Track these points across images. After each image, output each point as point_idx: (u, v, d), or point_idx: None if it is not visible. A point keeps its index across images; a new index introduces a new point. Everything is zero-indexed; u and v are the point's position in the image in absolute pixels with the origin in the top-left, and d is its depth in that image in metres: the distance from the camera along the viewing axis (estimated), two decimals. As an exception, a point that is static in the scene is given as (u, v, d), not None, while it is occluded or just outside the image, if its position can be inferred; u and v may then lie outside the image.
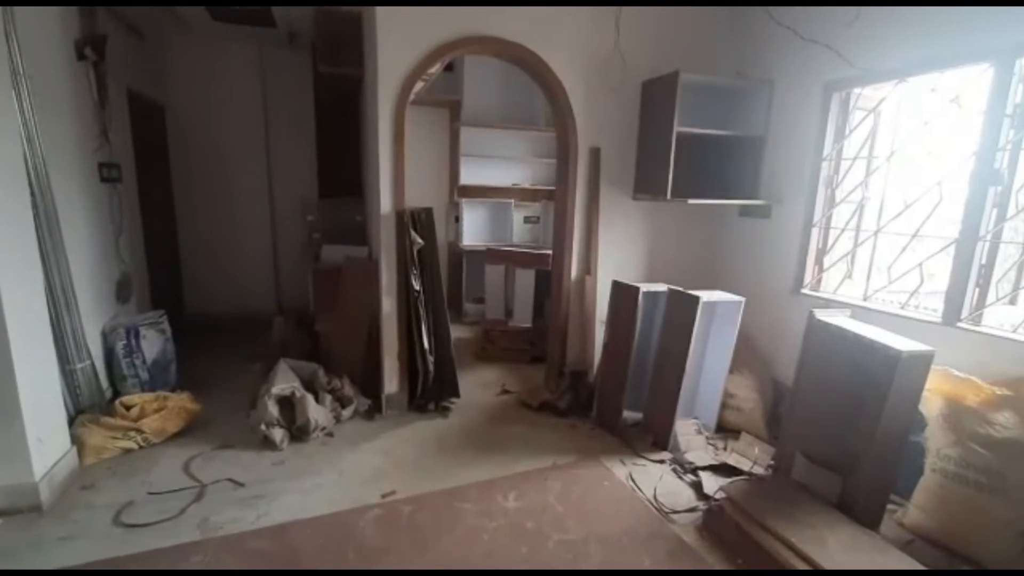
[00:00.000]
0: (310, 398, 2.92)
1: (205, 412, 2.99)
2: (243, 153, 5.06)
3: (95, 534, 2.06)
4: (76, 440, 2.51)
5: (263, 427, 2.76)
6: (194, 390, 3.13)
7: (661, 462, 2.76)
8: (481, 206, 5.64)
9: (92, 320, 2.93)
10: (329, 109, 5.06)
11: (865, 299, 2.81)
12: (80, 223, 2.92)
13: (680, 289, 2.91)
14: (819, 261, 3.07)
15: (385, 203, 3.03)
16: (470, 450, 2.84)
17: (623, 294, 3.06)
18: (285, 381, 2.94)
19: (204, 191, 4.97)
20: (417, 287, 3.11)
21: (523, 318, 4.49)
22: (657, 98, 3.20)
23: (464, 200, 5.53)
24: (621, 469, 2.67)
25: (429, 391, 3.26)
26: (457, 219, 5.57)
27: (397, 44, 2.85)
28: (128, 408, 2.77)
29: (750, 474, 2.56)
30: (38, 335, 2.28)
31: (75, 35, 2.93)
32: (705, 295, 2.83)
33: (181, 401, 2.93)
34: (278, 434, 2.76)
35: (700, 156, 3.36)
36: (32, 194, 2.30)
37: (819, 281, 3.08)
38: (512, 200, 5.69)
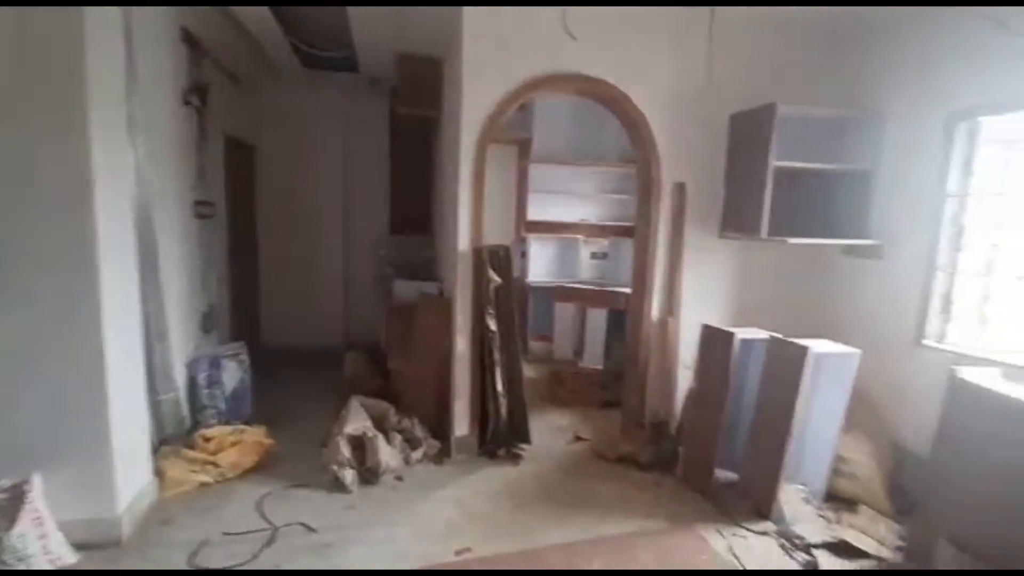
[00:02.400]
0: (381, 439, 2.83)
1: (278, 447, 2.97)
2: (322, 190, 5.26)
3: (171, 576, 2.01)
4: (157, 471, 2.53)
5: (335, 467, 2.68)
6: (268, 423, 3.12)
7: (764, 534, 2.43)
8: (548, 242, 5.55)
9: (179, 351, 3.02)
10: (403, 149, 5.21)
11: (1009, 353, 2.41)
12: (175, 257, 3.05)
13: (783, 337, 2.63)
14: (945, 309, 2.70)
15: (463, 240, 2.98)
16: (546, 505, 2.63)
17: (716, 340, 2.80)
18: (358, 420, 2.88)
19: (284, 225, 5.18)
20: (493, 327, 3.00)
21: (594, 359, 4.28)
22: (750, 131, 3.00)
23: (531, 236, 5.46)
24: (719, 540, 2.37)
25: (500, 435, 3.10)
26: (524, 255, 5.50)
27: (482, 82, 2.85)
28: (207, 440, 2.78)
29: (877, 558, 2.19)
30: (133, 367, 2.34)
31: (183, 84, 3.14)
32: (814, 345, 2.53)
33: (257, 435, 2.92)
34: (349, 475, 2.67)
35: (798, 192, 3.09)
36: (137, 230, 2.41)
37: (944, 331, 2.70)
38: (580, 236, 5.57)
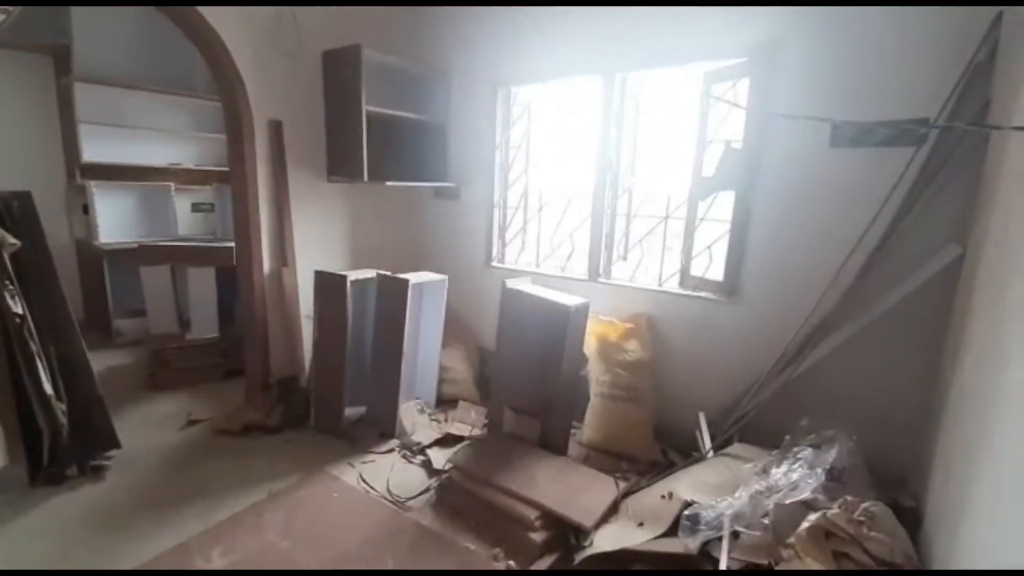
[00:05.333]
0: None
1: None
2: None
3: None
4: None
5: None
6: None
7: (390, 451, 2.71)
8: (125, 191, 4.34)
9: None
10: None
11: (538, 266, 3.35)
12: None
13: (388, 274, 2.87)
14: (502, 236, 3.50)
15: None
16: (150, 512, 2.18)
17: (329, 285, 2.82)
18: None
19: None
20: (18, 309, 2.14)
21: (206, 327, 3.69)
22: (341, 72, 2.99)
23: (95, 183, 4.13)
24: (351, 473, 2.50)
25: (64, 452, 2.34)
26: (86, 209, 4.14)
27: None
28: None
29: (471, 438, 2.76)
30: None
31: None
32: (413, 277, 2.86)
33: None
34: None
35: (393, 138, 3.34)
36: None
37: (504, 254, 3.52)
38: (172, 184, 4.57)
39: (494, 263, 3.47)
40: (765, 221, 2.45)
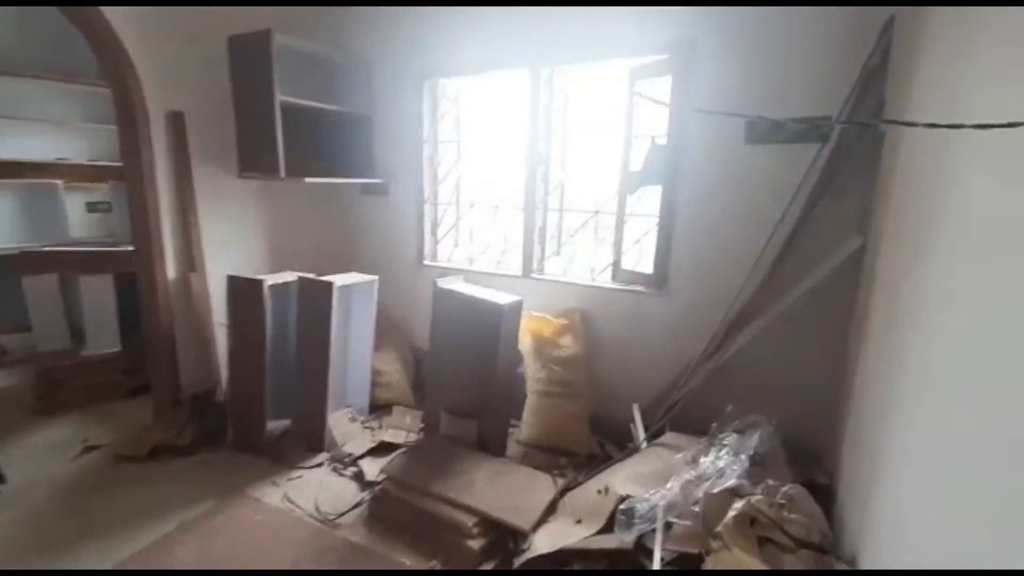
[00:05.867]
0: None
1: None
2: None
3: None
4: None
5: None
6: None
7: (319, 465, 2.56)
8: (1, 190, 3.81)
9: None
10: None
11: (471, 263, 3.28)
12: None
13: (311, 276, 2.69)
14: (434, 233, 3.39)
15: None
16: (36, 558, 1.92)
17: (244, 290, 2.60)
18: None
19: None
20: None
21: (105, 341, 3.32)
22: (251, 59, 2.75)
23: (-42, 182, 3.60)
24: (274, 492, 2.33)
25: (-74, 496, 2.01)
26: (-51, 211, 3.61)
27: None
28: None
29: (406, 445, 2.66)
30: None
31: None
32: (339, 279, 2.70)
33: None
34: None
35: (314, 131, 3.14)
36: None
37: (436, 252, 3.41)
38: (59, 181, 4.07)
39: (426, 261, 3.36)
40: (689, 214, 2.51)
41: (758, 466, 1.82)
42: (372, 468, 2.46)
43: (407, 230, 3.37)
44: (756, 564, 1.39)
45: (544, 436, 2.65)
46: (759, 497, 1.57)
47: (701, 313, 2.49)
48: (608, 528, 1.91)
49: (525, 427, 2.72)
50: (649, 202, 2.69)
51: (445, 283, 2.68)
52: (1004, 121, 0.77)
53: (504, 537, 1.98)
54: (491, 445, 2.47)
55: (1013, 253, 0.84)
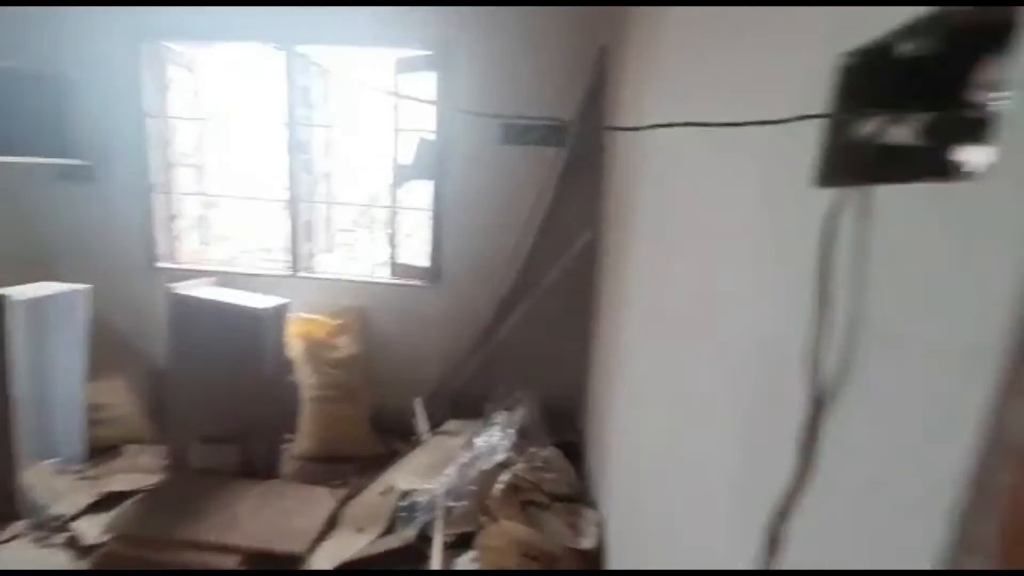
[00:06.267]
0: None
1: None
2: None
3: None
4: None
5: None
6: None
7: (14, 538, 1.92)
8: None
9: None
10: None
11: (230, 263, 2.84)
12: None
13: (-33, 292, 1.96)
14: (170, 229, 2.83)
15: None
16: None
17: None
18: None
19: None
20: None
21: None
22: None
23: None
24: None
25: None
26: None
27: None
28: None
29: (143, 490, 2.18)
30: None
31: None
32: (21, 291, 2.03)
33: None
34: None
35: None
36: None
37: (174, 251, 2.85)
38: None
39: (161, 263, 2.77)
40: (458, 209, 2.61)
41: (524, 438, 2.02)
42: (93, 528, 1.94)
43: (130, 226, 2.72)
44: (521, 531, 1.54)
45: (323, 446, 2.47)
46: (522, 465, 1.74)
47: (473, 303, 2.63)
48: (392, 528, 1.88)
49: (301, 439, 2.50)
50: (421, 196, 2.71)
51: (185, 288, 2.25)
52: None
53: (280, 567, 1.79)
54: (259, 469, 2.20)
55: (661, 239, 1.09)
